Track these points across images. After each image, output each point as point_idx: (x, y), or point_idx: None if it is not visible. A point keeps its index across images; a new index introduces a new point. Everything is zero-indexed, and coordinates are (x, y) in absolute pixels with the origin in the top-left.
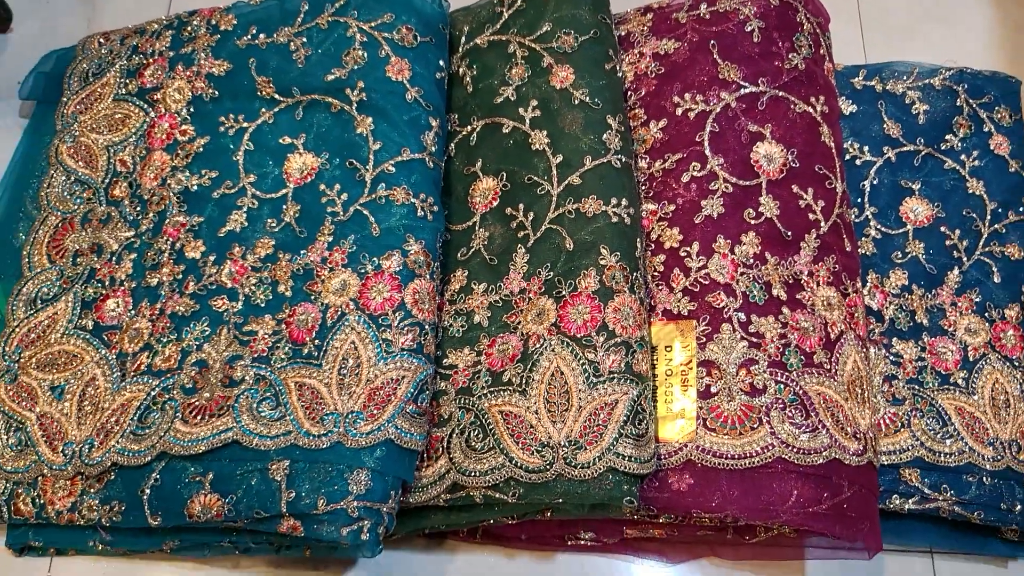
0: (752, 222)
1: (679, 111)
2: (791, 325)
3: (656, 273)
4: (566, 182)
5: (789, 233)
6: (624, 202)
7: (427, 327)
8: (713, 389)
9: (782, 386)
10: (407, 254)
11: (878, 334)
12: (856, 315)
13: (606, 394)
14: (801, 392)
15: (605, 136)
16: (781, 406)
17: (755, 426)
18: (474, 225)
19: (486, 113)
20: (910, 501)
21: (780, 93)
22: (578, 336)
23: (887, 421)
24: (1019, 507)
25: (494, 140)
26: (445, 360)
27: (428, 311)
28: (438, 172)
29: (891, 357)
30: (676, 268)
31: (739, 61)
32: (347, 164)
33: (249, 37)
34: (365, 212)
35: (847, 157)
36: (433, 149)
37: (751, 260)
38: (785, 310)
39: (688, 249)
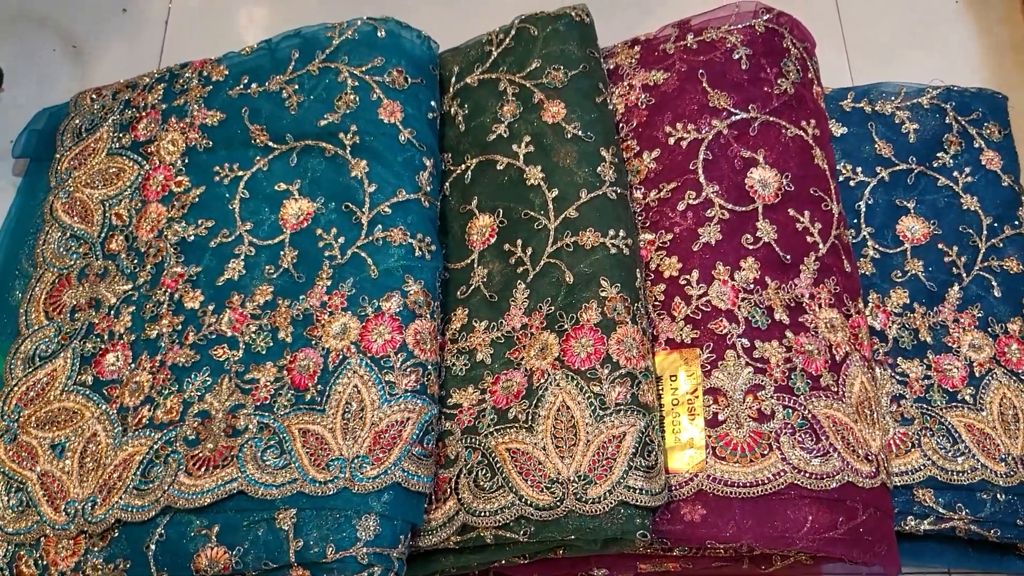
0: (750, 247)
1: (671, 140)
2: (795, 348)
3: (657, 303)
4: (563, 216)
5: (788, 257)
6: (622, 233)
7: (430, 367)
8: (721, 417)
9: (790, 411)
10: (407, 295)
11: (883, 354)
12: (860, 336)
13: (613, 427)
14: (810, 416)
15: (599, 168)
16: (791, 431)
17: (765, 453)
18: (472, 263)
19: (479, 151)
20: (925, 522)
21: (771, 118)
22: (582, 369)
23: (897, 442)
24: None
25: (489, 177)
26: (449, 400)
27: (430, 351)
28: (434, 211)
29: (897, 377)
30: (677, 297)
31: (728, 88)
32: (343, 208)
33: (241, 87)
34: (363, 254)
35: (840, 179)
36: (428, 189)
37: (751, 285)
38: (788, 334)
39: (688, 277)
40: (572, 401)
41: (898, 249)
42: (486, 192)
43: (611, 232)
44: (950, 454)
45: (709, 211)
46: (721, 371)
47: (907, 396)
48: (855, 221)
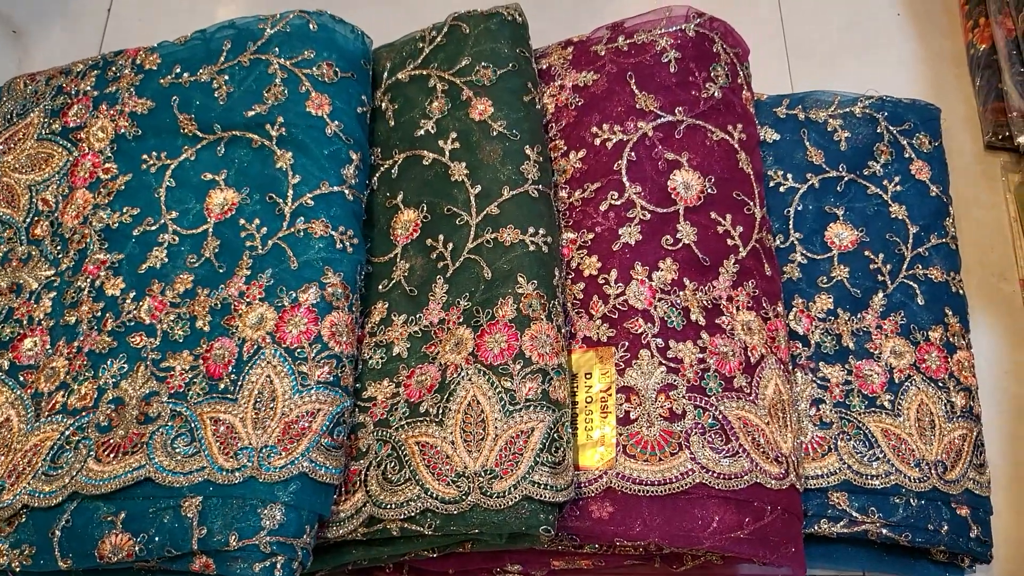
0: (670, 248)
1: (597, 141)
2: (710, 350)
3: (576, 301)
4: (484, 212)
5: (707, 259)
6: (542, 231)
7: (344, 360)
8: (632, 415)
9: (701, 411)
10: (325, 287)
11: (805, 359)
12: (778, 339)
13: (522, 422)
14: (721, 416)
15: (523, 166)
16: (701, 431)
17: (675, 451)
18: (395, 257)
19: (407, 146)
20: (838, 525)
21: (697, 122)
22: (495, 364)
23: (815, 445)
24: (946, 527)
25: (415, 172)
26: (364, 393)
27: (346, 343)
28: (359, 205)
29: (818, 381)
30: (595, 295)
31: (656, 91)
32: (267, 198)
33: (172, 76)
34: (283, 245)
35: (771, 184)
36: (353, 182)
37: (669, 286)
38: (704, 335)
39: (606, 276)
40: (483, 396)
41: (826, 255)
42: (412, 187)
43: (531, 229)
44: (866, 458)
45: (631, 212)
46: (635, 370)
47: (827, 400)
48: (784, 227)
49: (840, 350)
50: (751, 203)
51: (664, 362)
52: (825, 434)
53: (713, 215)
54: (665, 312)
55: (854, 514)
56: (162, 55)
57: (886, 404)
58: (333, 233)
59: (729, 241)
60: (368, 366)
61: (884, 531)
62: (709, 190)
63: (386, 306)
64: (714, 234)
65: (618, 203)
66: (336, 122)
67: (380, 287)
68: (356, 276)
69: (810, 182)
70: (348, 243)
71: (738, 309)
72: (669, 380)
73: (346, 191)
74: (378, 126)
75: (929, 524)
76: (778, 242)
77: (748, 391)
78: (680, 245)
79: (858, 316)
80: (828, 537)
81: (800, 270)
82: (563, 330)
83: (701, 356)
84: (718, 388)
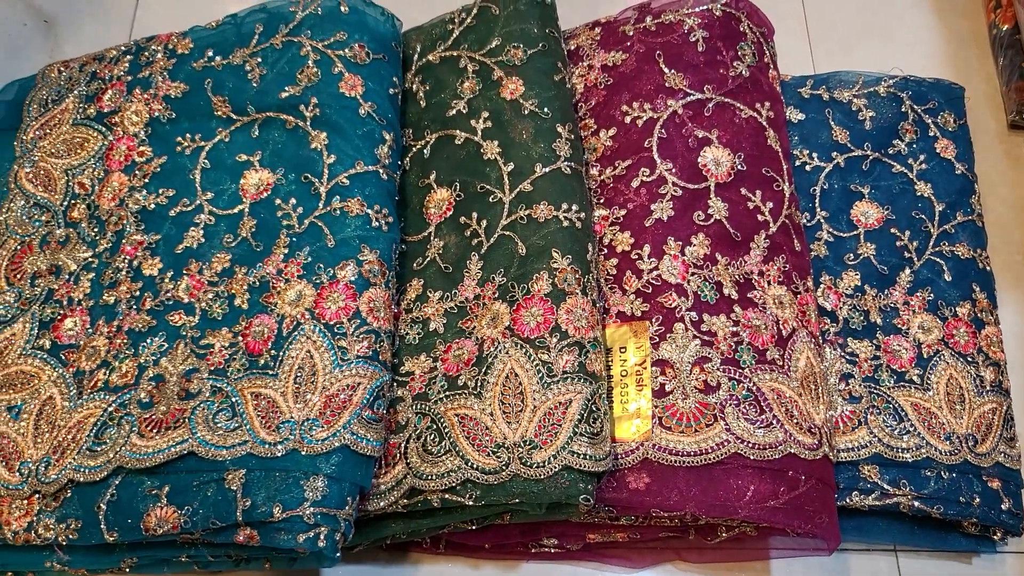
0: (702, 224)
1: (628, 119)
2: (743, 323)
3: (609, 276)
4: (518, 189)
5: (738, 234)
6: (575, 207)
7: (383, 335)
8: (668, 388)
9: (735, 383)
10: (362, 263)
11: (833, 334)
12: (808, 313)
13: (560, 393)
14: (755, 388)
15: (555, 144)
16: (735, 402)
17: (710, 423)
18: (429, 235)
19: (439, 126)
20: (870, 498)
21: (726, 99)
22: (531, 338)
23: (845, 419)
24: (977, 500)
25: (447, 152)
26: (402, 368)
27: (384, 319)
28: (392, 184)
29: (847, 356)
30: (628, 271)
31: (684, 70)
32: (302, 178)
33: (205, 59)
34: (320, 224)
35: (797, 163)
36: (387, 162)
37: (701, 261)
38: (737, 308)
39: (639, 252)
40: (520, 368)
41: (852, 233)
42: (444, 166)
43: (564, 206)
44: (896, 432)
45: (662, 188)
46: (669, 343)
47: (856, 375)
48: (811, 205)
49: (868, 325)
50: (780, 179)
51: (698, 335)
52: (855, 408)
53: (743, 191)
54: (698, 286)
55: (885, 487)
56: (194, 39)
57: (915, 379)
58: (369, 211)
59: (759, 217)
60: (405, 342)
61: (916, 503)
62: (739, 166)
63: (421, 283)
64: (744, 210)
65: (649, 180)
66: (369, 103)
67: (415, 265)
68: (391, 254)
69: (835, 161)
70: (383, 221)
71: (769, 283)
72: (703, 353)
73: (380, 170)
74: (409, 107)
75: (961, 497)
76: (804, 220)
77: (781, 363)
78: (712, 221)
79: (885, 292)
80: (860, 510)
81: (827, 247)
82: (597, 305)
83: (735, 329)
84: (751, 360)
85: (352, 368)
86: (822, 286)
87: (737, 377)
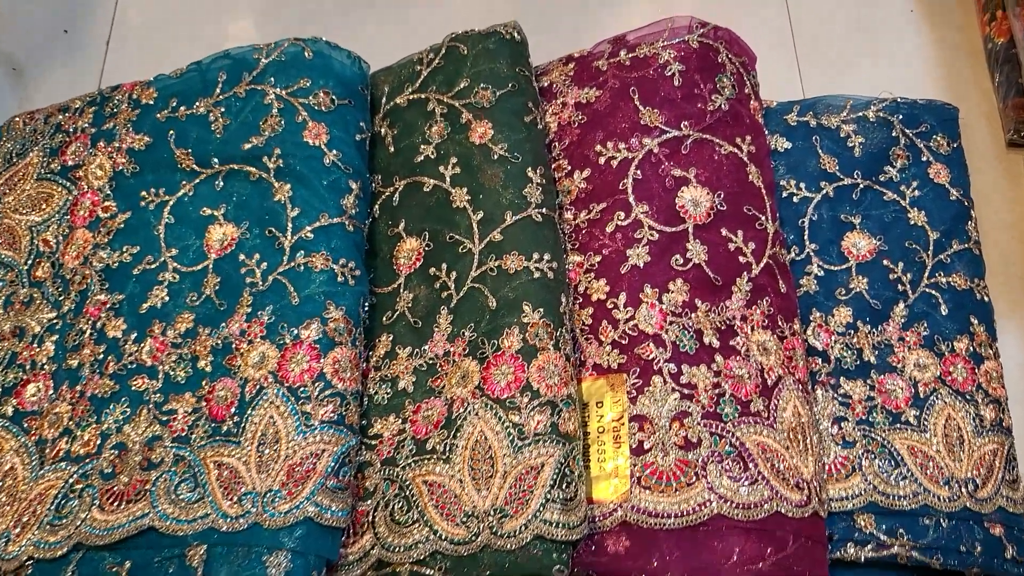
0: (680, 268)
1: (602, 160)
2: (724, 373)
3: (585, 327)
4: (488, 239)
5: (719, 278)
6: (547, 256)
7: (349, 397)
8: (646, 445)
9: (717, 438)
10: (327, 322)
11: (824, 375)
12: (795, 358)
13: (532, 457)
14: (738, 443)
15: (526, 190)
16: (718, 459)
17: (691, 481)
18: (399, 287)
19: (408, 172)
20: (866, 549)
21: (704, 136)
22: (502, 398)
23: (838, 466)
24: (979, 548)
25: (416, 199)
26: (371, 430)
27: (350, 380)
28: (360, 235)
29: (839, 398)
30: (604, 320)
31: (660, 106)
32: (266, 232)
33: (169, 110)
34: (284, 280)
35: (784, 195)
36: (354, 212)
37: (680, 308)
38: (718, 358)
39: (615, 300)
40: (490, 431)
41: (843, 266)
42: (413, 214)
43: (535, 255)
44: (892, 478)
45: (638, 232)
46: (647, 397)
47: (849, 418)
48: (799, 238)
49: (861, 365)
50: (763, 217)
51: (677, 388)
52: (848, 453)
53: (724, 232)
54: (677, 336)
55: (882, 537)
56: (158, 89)
57: (911, 420)
58: (334, 266)
59: (741, 259)
60: (374, 402)
61: (914, 554)
62: (719, 206)
63: (390, 339)
64: (725, 252)
65: (625, 224)
66: (334, 151)
67: (384, 319)
68: (359, 309)
69: (824, 191)
70: (350, 276)
71: (753, 329)
72: (683, 407)
73: (346, 222)
74: (378, 152)
75: (961, 546)
76: (793, 254)
77: (766, 415)
78: (690, 265)
79: (879, 328)
80: (856, 562)
81: (817, 282)
82: (572, 358)
83: (716, 380)
84: (734, 413)
85: (316, 434)
86: (812, 324)
87: (719, 431)
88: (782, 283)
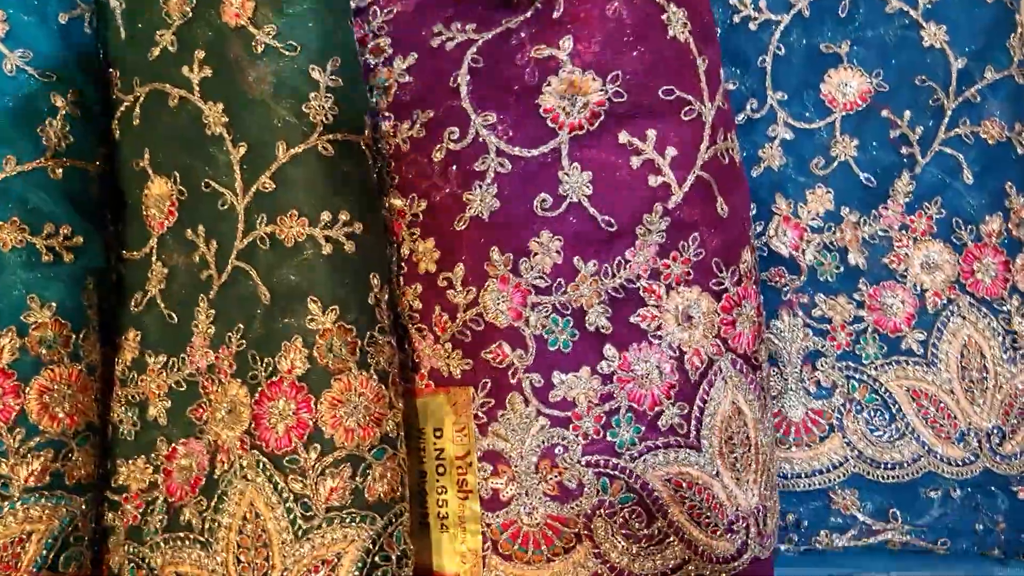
0: (548, 214)
1: (435, 42)
2: (619, 377)
3: (414, 313)
4: (254, 188)
5: (612, 220)
6: (343, 215)
7: (71, 439)
8: (504, 495)
9: (608, 480)
10: (26, 331)
11: (793, 292)
12: (740, 326)
13: (323, 546)
14: (639, 485)
15: (308, 103)
16: (609, 511)
17: (570, 545)
18: (151, 253)
19: (148, 75)
20: (844, 536)
21: None
22: (278, 453)
23: (808, 424)
24: (1002, 523)
25: (162, 117)
26: (115, 477)
27: (71, 415)
28: (78, 179)
29: (813, 324)
30: (438, 306)
31: None
32: None
33: None
34: None
35: (735, 20)
36: (63, 145)
37: (547, 280)
38: (610, 352)
39: (449, 275)
40: (264, 505)
41: (822, 122)
42: (160, 141)
43: (325, 216)
44: (884, 437)
45: (481, 161)
46: (503, 424)
47: (827, 353)
48: (759, 85)
49: (845, 272)
50: (695, 99)
51: (545, 411)
52: (823, 406)
53: (623, 138)
54: (544, 326)
55: (866, 520)
56: None
57: (914, 347)
58: (33, 239)
59: (652, 179)
60: (119, 434)
61: (910, 539)
62: (614, 95)
63: (138, 338)
64: (625, 173)
65: (460, 146)
66: (20, 50)
67: (132, 304)
68: (81, 296)
69: (796, 8)
70: (62, 247)
71: (670, 290)
72: (555, 438)
73: (49, 164)
74: (110, 36)
75: (978, 523)
76: (749, 109)
77: (684, 433)
78: (565, 206)
79: (872, 215)
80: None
81: (783, 151)
82: (392, 374)
83: (606, 390)
84: (633, 438)
85: (19, 510)
86: (776, 217)
87: (610, 471)
88: (722, 204)
